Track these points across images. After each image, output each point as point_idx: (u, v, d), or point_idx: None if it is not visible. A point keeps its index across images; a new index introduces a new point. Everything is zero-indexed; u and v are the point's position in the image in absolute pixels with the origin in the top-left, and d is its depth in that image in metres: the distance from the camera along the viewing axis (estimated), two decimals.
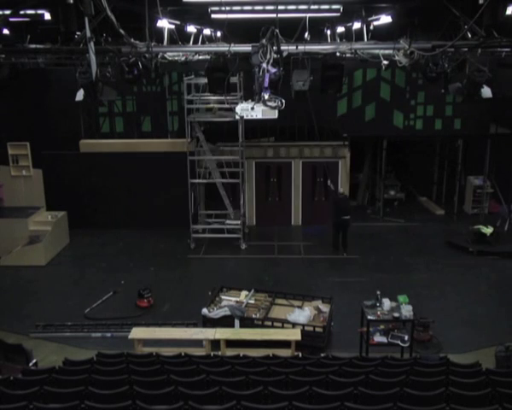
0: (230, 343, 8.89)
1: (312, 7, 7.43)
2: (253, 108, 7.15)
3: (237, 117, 7.33)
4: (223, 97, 12.43)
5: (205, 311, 9.94)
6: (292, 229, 16.51)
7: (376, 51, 8.46)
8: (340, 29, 11.31)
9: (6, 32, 10.16)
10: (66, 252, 14.75)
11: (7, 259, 13.67)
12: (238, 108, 7.24)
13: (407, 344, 8.58)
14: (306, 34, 7.51)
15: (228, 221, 14.90)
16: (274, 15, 7.43)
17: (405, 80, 16.09)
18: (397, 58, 8.16)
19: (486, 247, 14.07)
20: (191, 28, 10.32)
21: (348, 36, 9.84)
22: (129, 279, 12.73)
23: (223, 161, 14.95)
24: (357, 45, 8.32)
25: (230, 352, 8.54)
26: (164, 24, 8.87)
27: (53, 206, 15.07)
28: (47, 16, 8.70)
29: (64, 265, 14.04)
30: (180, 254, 14.46)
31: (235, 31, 8.50)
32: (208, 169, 14.84)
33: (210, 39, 11.66)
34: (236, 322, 9.71)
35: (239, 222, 14.71)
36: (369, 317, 8.68)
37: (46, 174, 15.22)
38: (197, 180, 14.64)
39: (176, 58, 9.18)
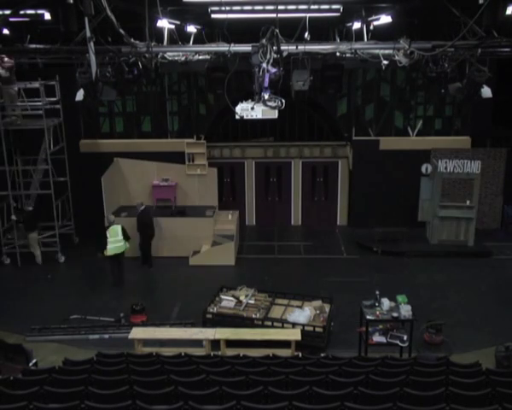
0: (230, 343, 8.90)
1: (312, 7, 7.42)
2: (253, 108, 7.17)
3: (237, 117, 7.31)
4: None
5: None
6: (291, 229, 16.52)
7: (376, 51, 8.47)
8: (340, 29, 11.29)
9: (6, 32, 10.13)
10: None
11: (196, 258, 13.80)
12: (238, 108, 7.25)
13: (406, 344, 8.57)
14: (306, 34, 7.50)
15: None
16: (274, 15, 7.42)
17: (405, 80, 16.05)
18: (397, 58, 8.18)
19: (391, 246, 14.38)
20: (191, 28, 10.29)
21: (348, 36, 9.83)
22: (129, 279, 12.76)
23: None
24: (357, 45, 8.33)
25: (230, 352, 8.55)
26: (164, 24, 8.86)
27: None
28: (47, 16, 8.66)
29: None
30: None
31: (235, 31, 8.48)
32: None
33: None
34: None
35: None
36: (368, 317, 8.68)
37: None
38: None
39: (176, 58, 9.17)
